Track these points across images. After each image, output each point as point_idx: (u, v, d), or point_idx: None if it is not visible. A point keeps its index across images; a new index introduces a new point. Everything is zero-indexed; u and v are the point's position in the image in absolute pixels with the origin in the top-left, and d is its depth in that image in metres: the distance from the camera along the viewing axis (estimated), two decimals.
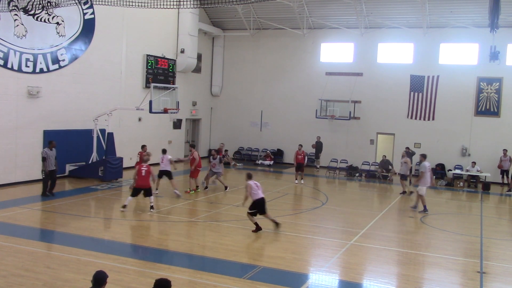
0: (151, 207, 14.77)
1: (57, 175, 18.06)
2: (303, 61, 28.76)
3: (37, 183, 18.74)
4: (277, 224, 13.07)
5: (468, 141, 25.49)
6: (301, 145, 23.08)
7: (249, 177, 13.27)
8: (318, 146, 26.61)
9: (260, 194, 13.00)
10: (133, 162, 23.79)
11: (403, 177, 20.41)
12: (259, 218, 13.03)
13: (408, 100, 26.45)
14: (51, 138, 19.19)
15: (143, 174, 14.68)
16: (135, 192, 14.84)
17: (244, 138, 30.30)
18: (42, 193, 16.49)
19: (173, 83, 25.76)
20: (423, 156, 17.26)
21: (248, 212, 13.01)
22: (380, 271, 10.59)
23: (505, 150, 23.31)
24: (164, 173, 17.53)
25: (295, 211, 16.11)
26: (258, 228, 12.81)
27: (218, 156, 19.50)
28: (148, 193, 14.84)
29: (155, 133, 25.64)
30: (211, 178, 19.49)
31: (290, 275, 9.81)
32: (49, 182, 16.53)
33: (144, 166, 14.87)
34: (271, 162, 28.36)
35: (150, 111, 19.91)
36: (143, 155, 16.99)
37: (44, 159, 16.25)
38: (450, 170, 25.02)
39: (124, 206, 14.70)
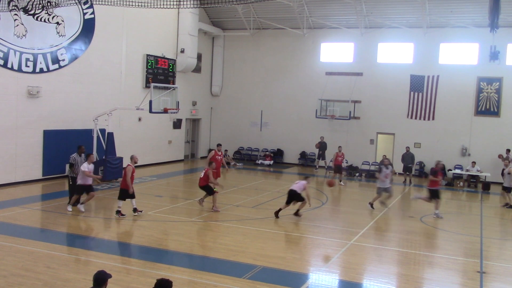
0: (134, 209, 14.25)
1: (57, 175, 18.09)
2: (303, 61, 28.76)
3: (37, 183, 18.77)
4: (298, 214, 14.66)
5: (468, 141, 25.50)
6: (340, 147, 23.34)
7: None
8: (323, 146, 26.55)
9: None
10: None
11: (508, 189, 18.82)
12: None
13: (408, 100, 26.46)
14: (51, 138, 19.25)
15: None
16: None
17: (244, 138, 30.30)
18: (70, 202, 14.84)
19: (173, 83, 25.75)
20: None
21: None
22: (380, 271, 10.59)
23: None
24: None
25: (295, 211, 16.09)
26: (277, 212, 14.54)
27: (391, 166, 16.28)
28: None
29: (155, 133, 25.64)
30: (381, 197, 16.64)
31: (290, 275, 9.81)
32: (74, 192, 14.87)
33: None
34: (271, 162, 28.39)
35: (150, 111, 19.90)
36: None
37: (71, 165, 14.91)
38: (450, 170, 25.02)
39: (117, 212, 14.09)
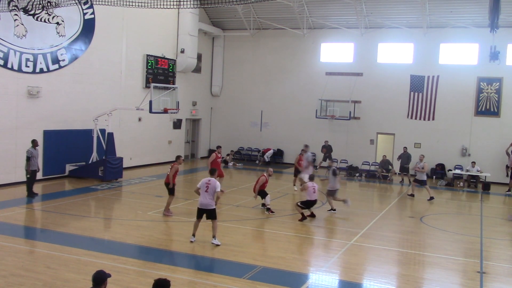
0: (268, 209, 15.46)
1: (57, 175, 18.13)
2: (303, 61, 28.76)
3: (37, 183, 18.67)
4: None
5: (468, 141, 25.49)
6: (304, 149, 20.66)
7: (311, 178, 15.27)
8: (328, 149, 26.48)
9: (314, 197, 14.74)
10: (133, 162, 23.92)
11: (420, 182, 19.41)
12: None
13: (408, 100, 26.45)
14: (51, 138, 19.30)
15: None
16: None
17: (244, 138, 30.29)
18: (28, 194, 16.11)
19: (173, 83, 25.75)
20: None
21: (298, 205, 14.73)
22: (380, 271, 10.59)
23: None
24: None
25: (295, 211, 16.09)
26: (304, 218, 14.40)
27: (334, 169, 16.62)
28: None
29: (155, 133, 25.65)
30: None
31: (290, 275, 9.81)
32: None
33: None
34: (267, 160, 28.38)
35: (150, 111, 19.90)
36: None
37: (28, 159, 15.92)
38: (450, 170, 25.02)
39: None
